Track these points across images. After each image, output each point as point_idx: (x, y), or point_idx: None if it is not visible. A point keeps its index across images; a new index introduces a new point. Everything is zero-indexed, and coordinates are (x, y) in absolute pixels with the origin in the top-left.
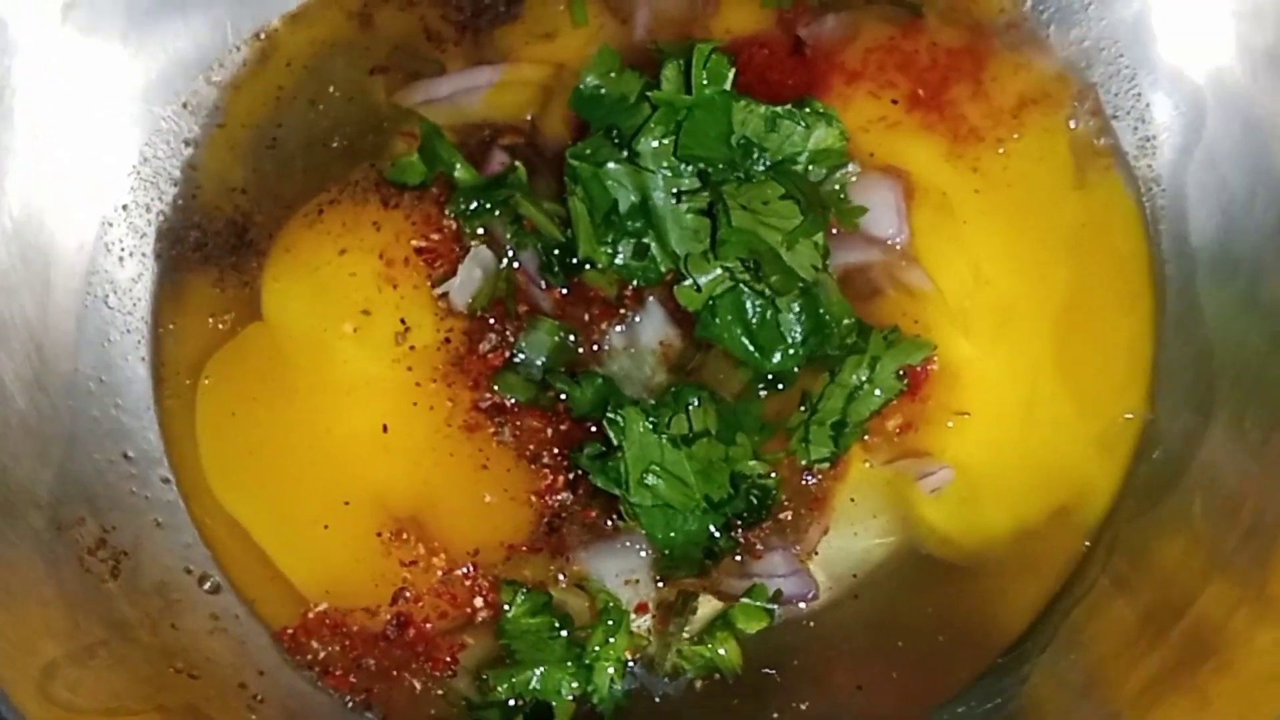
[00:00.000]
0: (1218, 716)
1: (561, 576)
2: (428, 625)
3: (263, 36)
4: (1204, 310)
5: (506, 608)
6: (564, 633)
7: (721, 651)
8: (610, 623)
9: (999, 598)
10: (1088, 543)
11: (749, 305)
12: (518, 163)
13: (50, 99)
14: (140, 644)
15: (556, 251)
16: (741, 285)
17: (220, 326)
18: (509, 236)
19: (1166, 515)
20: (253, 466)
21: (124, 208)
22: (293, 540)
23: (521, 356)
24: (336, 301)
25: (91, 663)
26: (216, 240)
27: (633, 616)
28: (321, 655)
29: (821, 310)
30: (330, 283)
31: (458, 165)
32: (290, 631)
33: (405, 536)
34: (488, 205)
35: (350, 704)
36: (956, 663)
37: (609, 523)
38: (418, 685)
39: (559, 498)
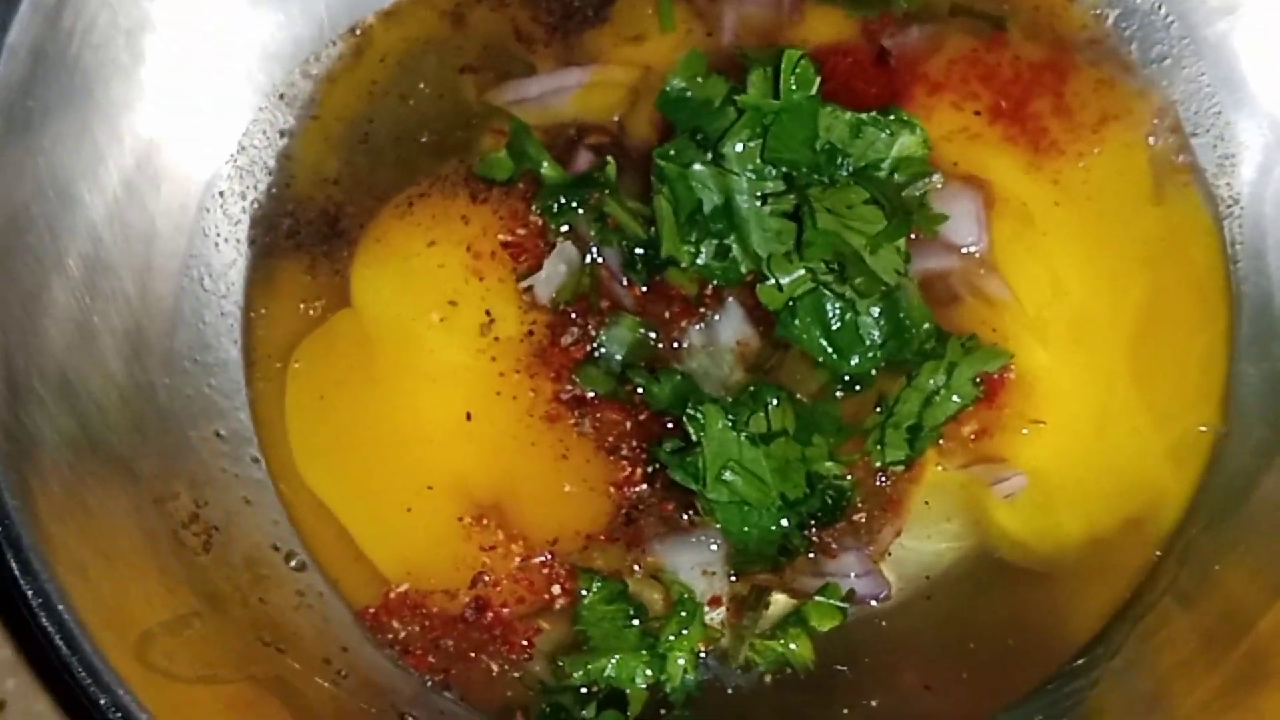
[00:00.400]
0: None
1: (637, 567)
2: (505, 610)
3: (358, 32)
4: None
5: (583, 594)
6: (638, 621)
7: (793, 647)
8: (684, 613)
9: (1069, 604)
10: (1158, 553)
11: (829, 307)
12: (608, 158)
13: (152, 88)
14: (231, 616)
15: (639, 250)
16: (822, 288)
17: (311, 313)
18: (593, 234)
19: (1235, 531)
20: (339, 449)
21: (220, 194)
22: (376, 522)
23: (602, 350)
24: (424, 291)
25: (186, 632)
26: (309, 229)
27: (707, 609)
28: (402, 635)
29: (901, 315)
30: (419, 273)
31: (545, 163)
32: (372, 611)
33: (485, 522)
34: (573, 203)
35: (429, 683)
36: (1025, 666)
37: (685, 517)
38: (494, 667)
39: (636, 490)
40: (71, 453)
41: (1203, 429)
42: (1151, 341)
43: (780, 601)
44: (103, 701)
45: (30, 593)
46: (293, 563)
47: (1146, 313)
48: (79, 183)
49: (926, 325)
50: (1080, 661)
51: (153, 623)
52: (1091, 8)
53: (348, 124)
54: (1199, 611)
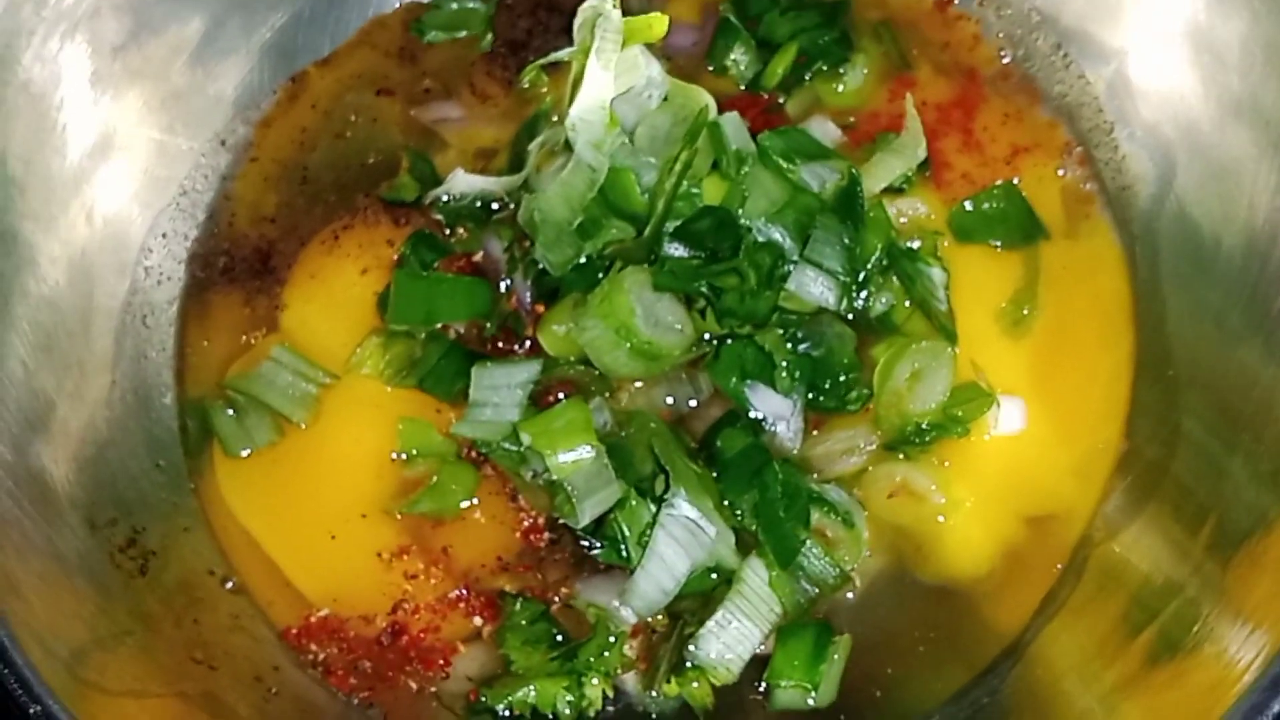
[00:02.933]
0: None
1: (555, 597)
2: (423, 635)
3: (294, 80)
4: (1173, 348)
5: (506, 617)
6: (560, 638)
7: (695, 685)
8: (604, 638)
9: (983, 614)
10: (1060, 565)
11: (748, 354)
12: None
13: (100, 136)
14: (164, 635)
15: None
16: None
17: (252, 342)
18: (505, 259)
19: (1134, 537)
20: (265, 480)
21: (164, 235)
22: (301, 550)
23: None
24: (356, 320)
25: (119, 650)
26: (244, 265)
27: (629, 639)
28: (322, 656)
29: (818, 355)
30: (351, 302)
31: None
32: (294, 632)
33: (408, 551)
34: (471, 222)
35: (355, 701)
36: (939, 678)
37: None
38: (414, 686)
39: (543, 536)
40: (11, 479)
41: (1106, 446)
42: (1058, 364)
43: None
44: (33, 711)
45: None
46: (227, 585)
47: (1054, 337)
48: (26, 222)
49: (849, 362)
50: (993, 667)
51: (86, 639)
52: (997, 47)
53: (284, 164)
54: (1103, 610)
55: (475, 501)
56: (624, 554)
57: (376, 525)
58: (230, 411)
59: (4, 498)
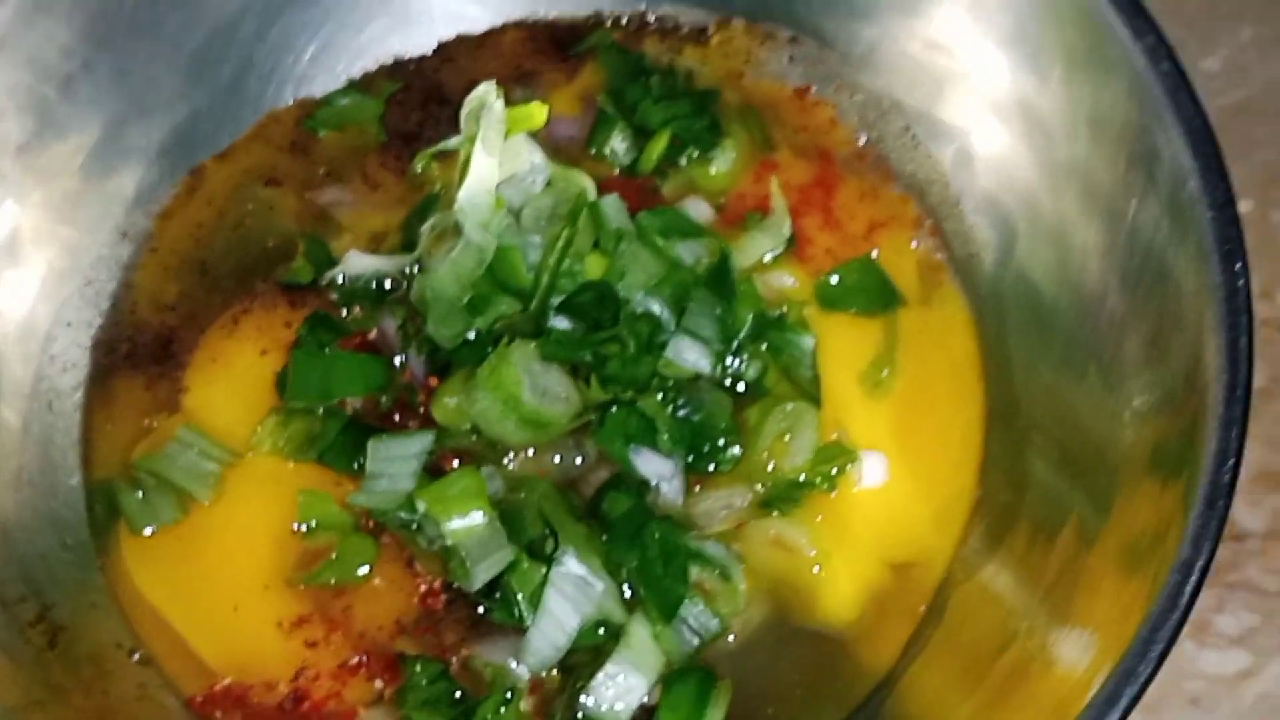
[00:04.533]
0: None
1: (453, 658)
2: (325, 700)
3: (192, 173)
4: (1020, 400)
5: (406, 679)
6: (459, 696)
7: None
8: (501, 695)
9: (853, 657)
10: (923, 607)
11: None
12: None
13: (4, 232)
14: (73, 705)
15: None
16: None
17: (152, 426)
18: (398, 336)
19: (990, 575)
20: (170, 555)
21: (68, 324)
22: (205, 622)
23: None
24: (256, 400)
25: (32, 718)
26: (145, 351)
27: (525, 696)
28: None
29: (698, 419)
30: (250, 382)
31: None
32: (199, 700)
33: (308, 619)
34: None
35: None
36: (816, 716)
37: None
38: None
39: (441, 599)
40: None
41: (961, 494)
42: (916, 421)
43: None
44: None
45: None
46: (134, 657)
47: (911, 396)
48: None
49: (725, 425)
50: (864, 704)
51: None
52: (852, 129)
53: (184, 254)
54: (960, 647)
55: (373, 569)
56: (517, 614)
57: (278, 595)
58: (137, 491)
59: None
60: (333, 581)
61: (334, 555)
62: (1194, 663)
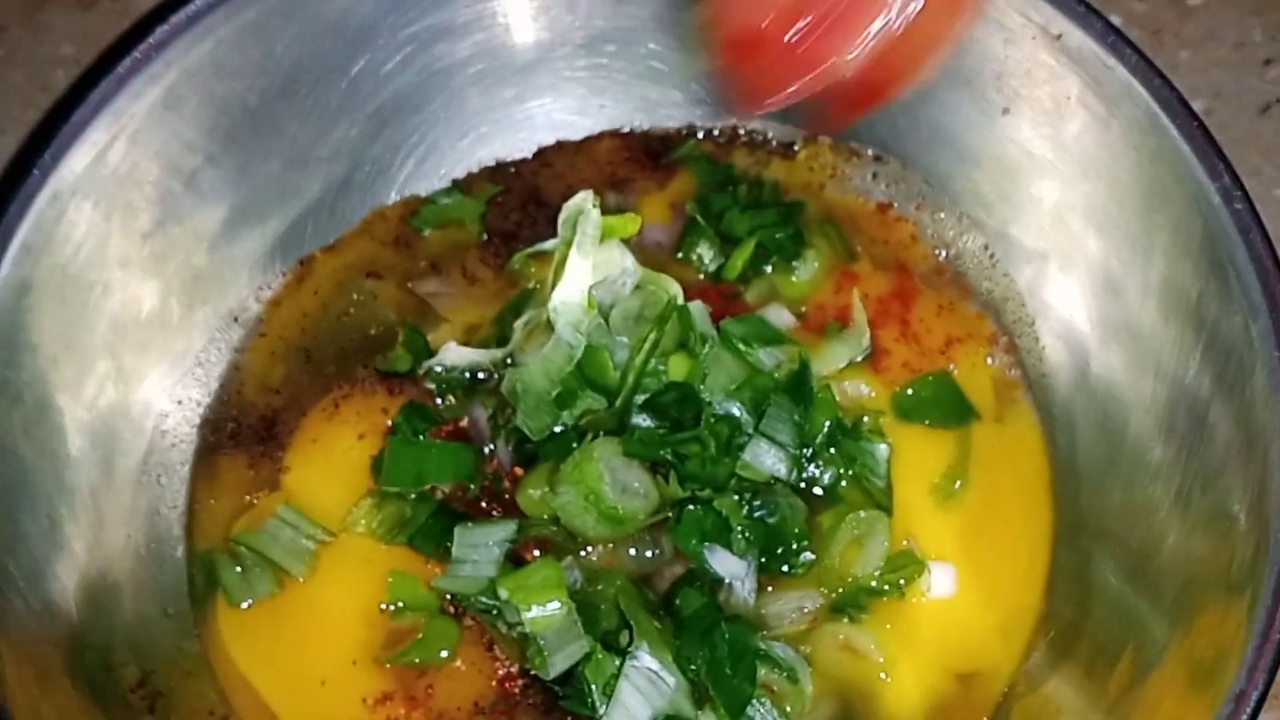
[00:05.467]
0: None
1: None
2: None
3: (301, 263)
4: (1087, 517)
5: None
6: None
7: None
8: None
9: None
10: (986, 718)
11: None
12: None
13: (126, 312)
14: None
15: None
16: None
17: (253, 503)
18: (488, 426)
19: (1054, 689)
20: (264, 628)
21: (179, 402)
22: (294, 695)
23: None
24: (353, 482)
25: None
26: (249, 431)
27: None
28: None
29: (773, 521)
30: (348, 465)
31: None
32: None
33: (391, 697)
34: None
35: None
36: None
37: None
38: None
39: (519, 683)
40: (36, 623)
41: (1027, 608)
42: (986, 534)
43: None
44: None
45: None
46: None
47: (982, 509)
48: (59, 393)
49: (798, 529)
50: None
51: None
52: (932, 246)
53: (290, 340)
54: None
55: (455, 651)
56: (590, 704)
57: (364, 672)
58: (236, 566)
59: (30, 639)
60: (417, 661)
61: (419, 636)
62: None
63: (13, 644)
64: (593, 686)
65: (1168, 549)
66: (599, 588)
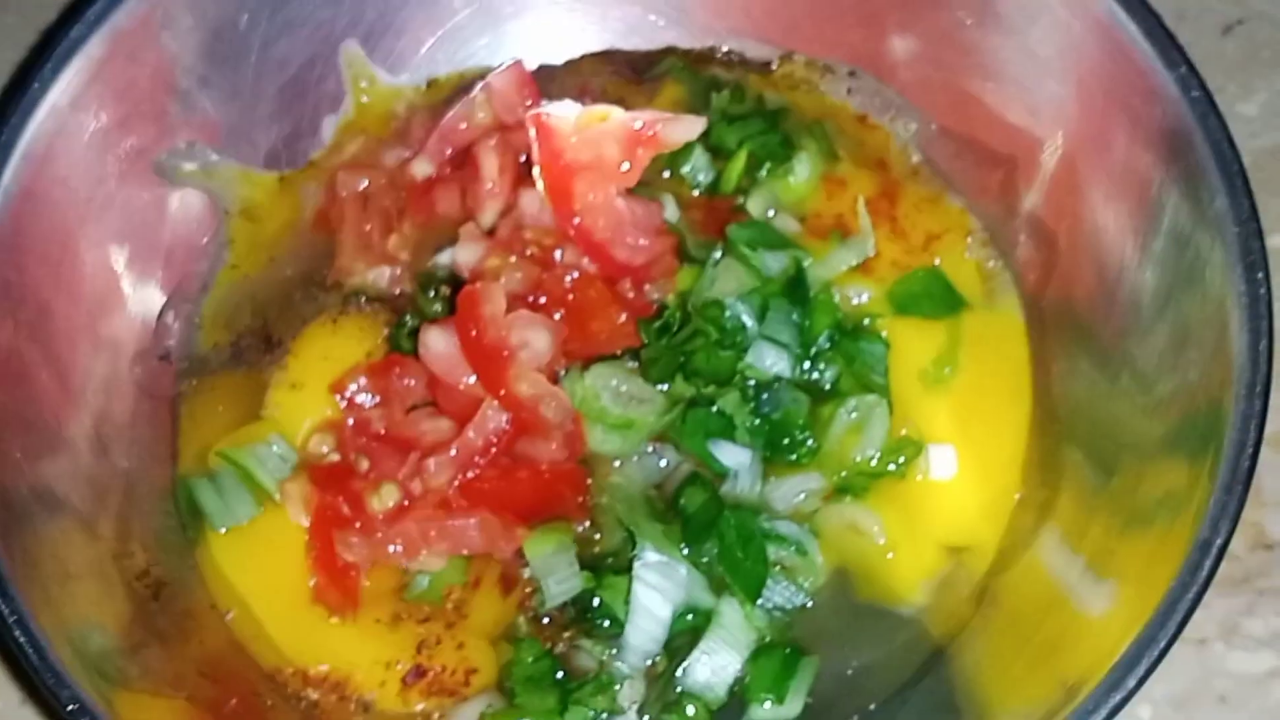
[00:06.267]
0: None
1: (561, 643)
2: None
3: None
4: (1058, 406)
5: (512, 656)
6: (562, 675)
7: (689, 711)
8: (604, 680)
9: (915, 629)
10: (977, 585)
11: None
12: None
13: (124, 224)
14: (175, 650)
15: None
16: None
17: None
18: None
19: (1032, 560)
20: (251, 546)
21: (175, 314)
22: (281, 612)
23: None
24: None
25: (136, 657)
26: (247, 345)
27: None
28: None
29: (776, 417)
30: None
31: None
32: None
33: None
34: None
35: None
36: (885, 678)
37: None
38: None
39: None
40: (46, 513)
41: (1018, 496)
42: (974, 417)
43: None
44: (64, 697)
45: (6, 611)
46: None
47: (969, 394)
48: (60, 298)
49: (802, 420)
50: (923, 668)
51: (109, 646)
52: (907, 150)
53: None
54: (1006, 622)
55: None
56: (615, 620)
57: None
58: (214, 491)
59: (39, 526)
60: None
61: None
62: (1223, 663)
63: (22, 531)
64: (612, 607)
65: (1133, 430)
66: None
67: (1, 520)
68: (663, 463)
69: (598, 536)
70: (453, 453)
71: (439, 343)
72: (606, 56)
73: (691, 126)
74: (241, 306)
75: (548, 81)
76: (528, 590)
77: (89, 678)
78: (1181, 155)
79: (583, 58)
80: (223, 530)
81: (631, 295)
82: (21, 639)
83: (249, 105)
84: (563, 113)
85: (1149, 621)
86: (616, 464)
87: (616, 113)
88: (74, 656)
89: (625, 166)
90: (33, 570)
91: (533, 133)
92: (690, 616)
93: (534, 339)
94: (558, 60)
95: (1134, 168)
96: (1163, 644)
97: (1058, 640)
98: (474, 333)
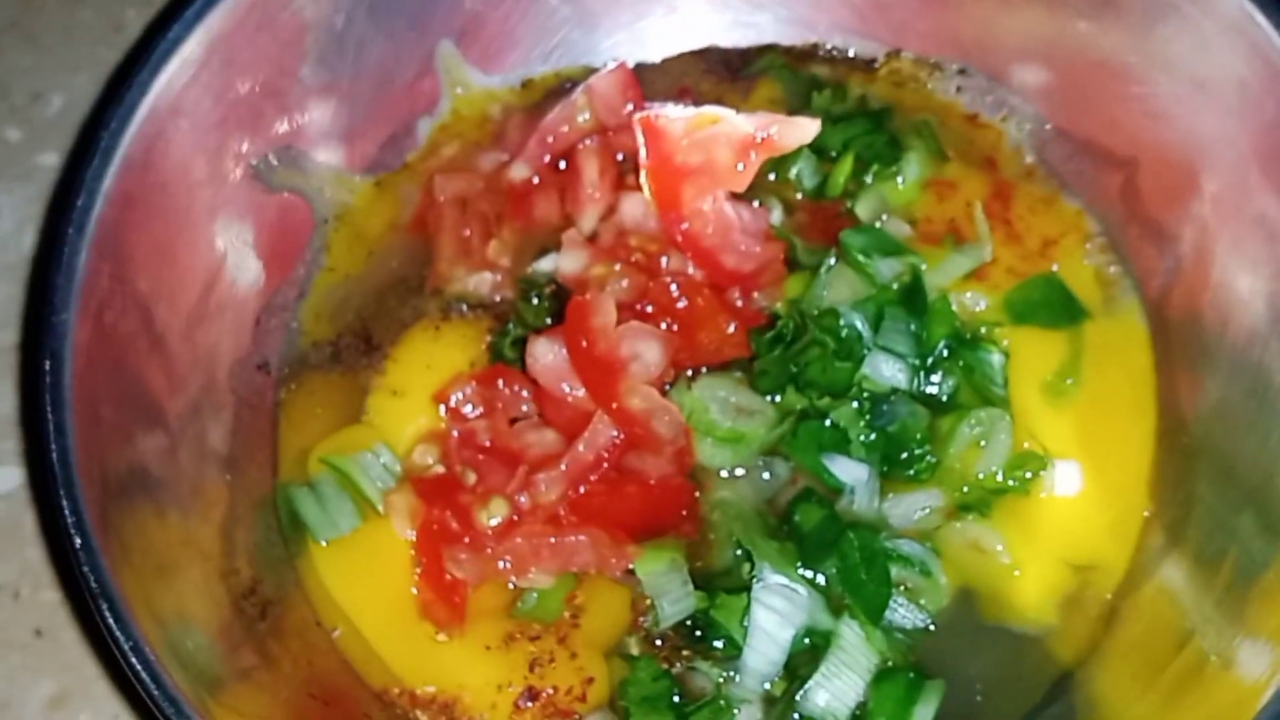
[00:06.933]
0: None
1: (679, 663)
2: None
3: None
4: (1187, 421)
5: (629, 674)
6: (679, 698)
7: None
8: (721, 703)
9: (1040, 653)
10: (1105, 607)
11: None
12: None
13: (222, 229)
14: (284, 672)
15: None
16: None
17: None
18: None
19: (1162, 583)
20: (354, 558)
21: (274, 320)
22: (387, 628)
23: None
24: None
25: (247, 682)
26: (347, 349)
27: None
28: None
29: (892, 430)
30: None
31: None
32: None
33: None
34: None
35: None
36: (1009, 703)
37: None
38: None
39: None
40: (156, 526)
41: (1146, 514)
42: (1098, 431)
43: None
44: None
45: (122, 639)
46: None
47: (1092, 407)
48: (160, 306)
49: (920, 434)
50: (1050, 696)
51: (222, 672)
52: (1020, 151)
53: (381, 260)
54: (1133, 650)
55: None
56: (731, 642)
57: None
58: (315, 501)
59: (149, 546)
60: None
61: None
62: None
63: (131, 552)
64: (727, 628)
65: (1265, 464)
66: (716, 518)
67: (117, 548)
68: (773, 477)
69: (707, 552)
70: (563, 467)
71: (547, 354)
72: (702, 54)
73: (806, 130)
74: (343, 305)
75: (642, 79)
76: (640, 608)
77: (199, 703)
78: None
79: (679, 55)
80: (324, 543)
81: (740, 304)
82: (139, 667)
83: (345, 107)
84: (673, 115)
85: None
86: (725, 477)
87: (728, 115)
88: (189, 685)
89: (740, 168)
90: (147, 596)
91: (640, 136)
92: (808, 638)
93: (645, 351)
94: (655, 58)
95: (1269, 175)
96: None
97: (1194, 674)
98: (584, 344)
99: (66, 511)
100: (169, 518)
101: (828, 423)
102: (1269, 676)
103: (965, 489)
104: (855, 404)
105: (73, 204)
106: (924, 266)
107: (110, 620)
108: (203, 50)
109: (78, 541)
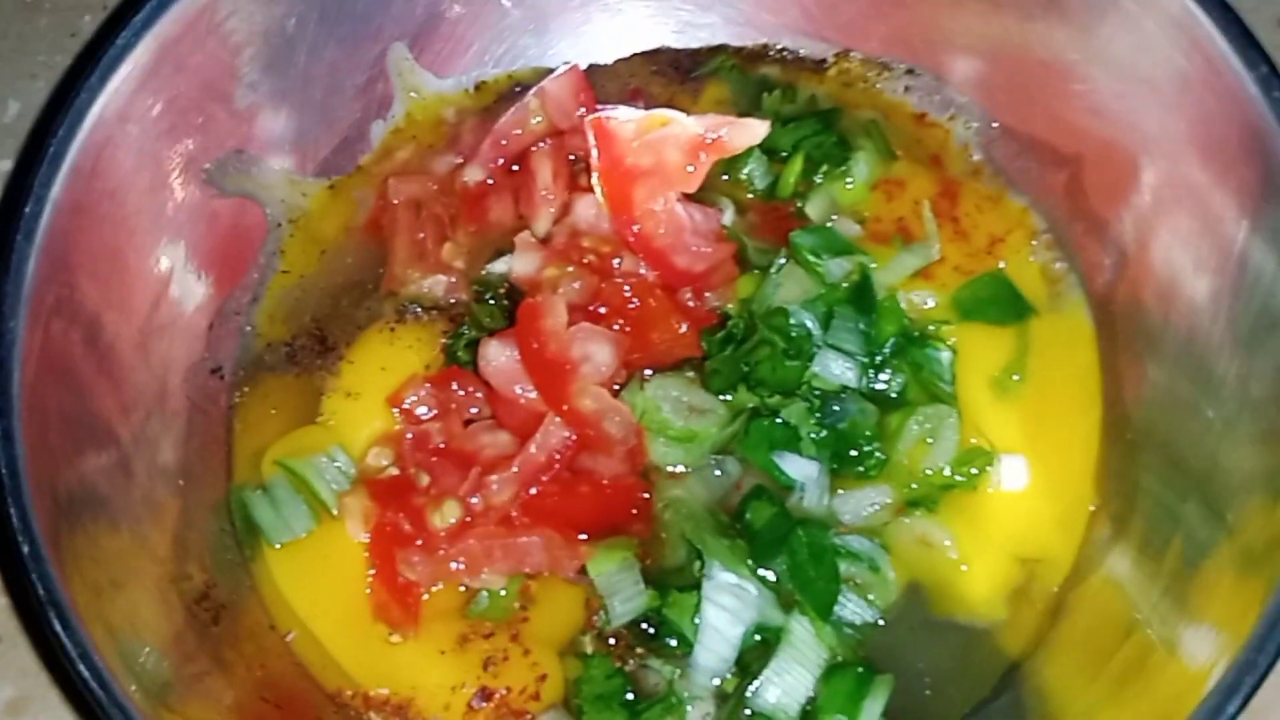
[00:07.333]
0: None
1: (631, 661)
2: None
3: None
4: (1131, 415)
5: (582, 672)
6: (632, 695)
7: None
8: (673, 700)
9: (988, 646)
10: (1051, 600)
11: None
12: None
13: (172, 233)
14: (237, 677)
15: None
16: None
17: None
18: None
19: (1107, 574)
20: (308, 561)
21: (225, 323)
22: (340, 631)
23: None
24: None
25: (199, 687)
26: (301, 350)
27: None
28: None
29: (842, 427)
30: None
31: None
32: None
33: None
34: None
35: None
36: (957, 696)
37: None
38: None
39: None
40: (108, 533)
41: (1091, 508)
42: (1044, 426)
43: None
44: None
45: (70, 646)
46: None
47: (1038, 402)
48: (111, 313)
49: (870, 431)
50: (997, 689)
51: (171, 677)
52: (967, 149)
53: (336, 261)
54: (1078, 643)
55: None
56: (683, 639)
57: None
58: (269, 504)
59: (97, 550)
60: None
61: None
62: None
63: (80, 557)
64: (679, 625)
65: (1208, 450)
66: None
67: (62, 551)
68: (725, 476)
69: (659, 551)
70: (515, 469)
71: (499, 356)
72: (652, 56)
73: (756, 131)
74: (298, 307)
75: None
76: (594, 607)
77: (149, 710)
78: (1261, 159)
79: (630, 56)
80: (278, 546)
81: (692, 304)
82: (87, 675)
83: (297, 111)
84: (624, 117)
85: (1246, 645)
86: (677, 475)
87: (678, 117)
88: (139, 692)
89: (690, 169)
90: (95, 601)
91: (592, 138)
92: (759, 635)
93: (596, 352)
94: (607, 60)
95: (1209, 168)
96: (1262, 669)
97: (1139, 663)
98: (535, 346)
99: (14, 519)
100: (120, 525)
101: (779, 421)
102: (1213, 662)
103: (914, 485)
104: (805, 402)
105: (21, 211)
106: (873, 265)
107: (58, 627)
108: (151, 56)
109: (26, 549)
